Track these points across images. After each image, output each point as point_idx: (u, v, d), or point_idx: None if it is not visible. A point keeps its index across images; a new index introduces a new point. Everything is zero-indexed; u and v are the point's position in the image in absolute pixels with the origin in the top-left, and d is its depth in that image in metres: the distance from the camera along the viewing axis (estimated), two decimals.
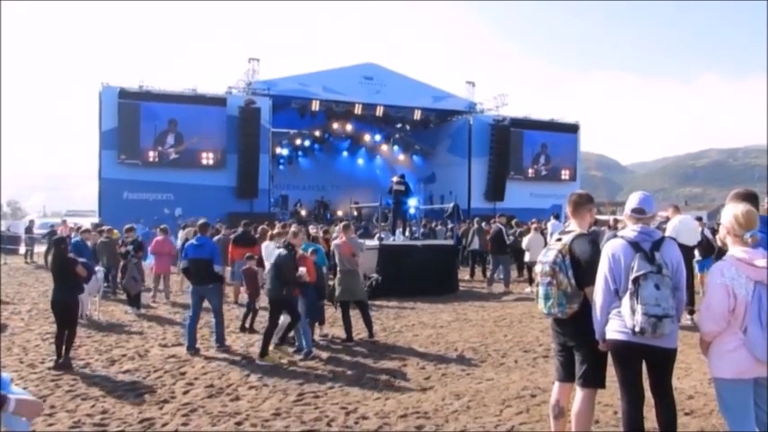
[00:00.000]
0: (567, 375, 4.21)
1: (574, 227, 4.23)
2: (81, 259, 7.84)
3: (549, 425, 4.39)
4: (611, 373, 4.01)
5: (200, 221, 9.37)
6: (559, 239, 4.17)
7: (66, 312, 7.33)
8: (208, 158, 26.61)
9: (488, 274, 15.60)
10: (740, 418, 3.37)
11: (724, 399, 3.44)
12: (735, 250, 3.40)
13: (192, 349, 8.06)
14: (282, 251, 7.82)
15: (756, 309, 3.24)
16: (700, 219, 12.93)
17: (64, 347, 7.24)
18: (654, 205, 4.02)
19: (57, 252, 7.60)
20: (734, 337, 3.31)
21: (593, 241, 4.10)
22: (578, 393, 4.08)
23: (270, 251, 9.18)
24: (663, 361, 3.81)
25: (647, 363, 3.83)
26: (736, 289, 3.28)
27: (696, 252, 11.68)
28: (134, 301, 11.36)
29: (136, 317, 10.86)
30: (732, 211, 3.48)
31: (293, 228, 8.67)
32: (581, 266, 3.97)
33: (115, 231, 14.87)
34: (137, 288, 11.46)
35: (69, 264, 7.47)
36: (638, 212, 3.91)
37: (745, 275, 3.28)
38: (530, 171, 32.88)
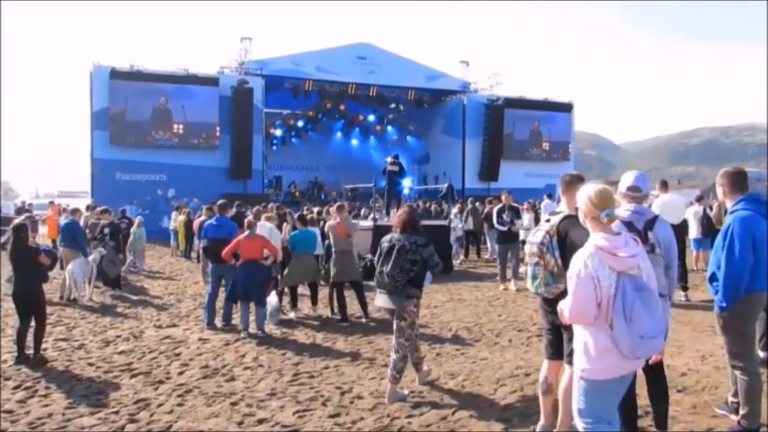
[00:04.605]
0: (555, 353, 4.24)
1: (563, 207, 4.24)
2: (43, 246, 7.42)
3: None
4: None
5: (220, 202, 9.52)
6: (548, 220, 4.19)
7: (31, 304, 6.73)
8: (200, 139, 26.45)
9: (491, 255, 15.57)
10: (602, 417, 3.13)
11: (587, 401, 3.11)
12: (596, 237, 3.08)
13: (211, 325, 8.34)
14: None
15: (621, 302, 2.93)
16: (701, 198, 12.94)
17: (33, 343, 6.65)
18: (648, 184, 4.03)
19: (16, 240, 6.88)
20: (604, 335, 3.00)
21: (582, 225, 4.08)
22: (566, 371, 4.11)
23: (265, 230, 9.19)
24: None
25: None
26: (601, 281, 2.96)
27: (696, 231, 11.75)
28: (115, 282, 11.34)
29: (131, 299, 10.85)
30: (585, 192, 3.20)
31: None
32: (571, 248, 3.97)
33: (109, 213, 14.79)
34: (115, 271, 11.41)
35: (31, 253, 6.82)
36: (635, 191, 3.91)
37: (607, 266, 2.98)
38: (524, 151, 32.84)
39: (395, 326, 5.45)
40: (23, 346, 6.69)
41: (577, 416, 3.19)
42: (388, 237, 5.58)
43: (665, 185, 9.88)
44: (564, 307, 3.17)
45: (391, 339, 7.50)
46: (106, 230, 11.73)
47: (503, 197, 12.41)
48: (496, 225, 12.03)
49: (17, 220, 7.32)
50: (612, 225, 3.11)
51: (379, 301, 5.51)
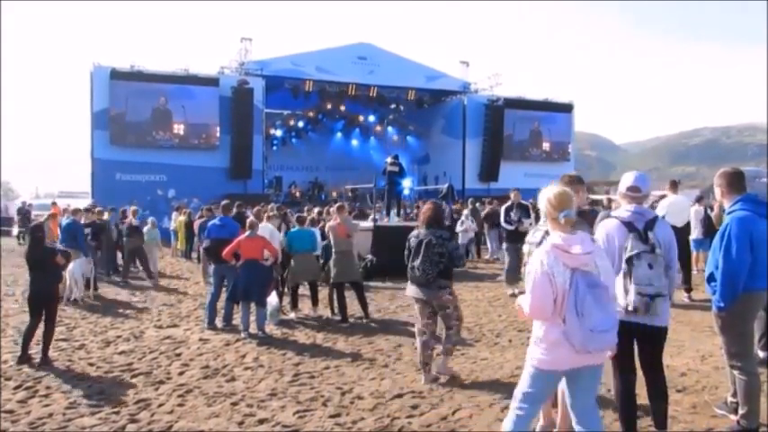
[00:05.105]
0: None
1: None
2: (59, 247, 7.48)
3: None
4: None
5: (224, 202, 9.54)
6: None
7: (47, 305, 6.72)
8: (201, 139, 26.45)
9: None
10: (535, 404, 3.37)
11: (531, 386, 3.31)
12: (553, 236, 3.26)
13: (212, 325, 8.36)
14: None
15: (573, 297, 3.09)
16: (701, 198, 12.90)
17: (42, 345, 6.63)
18: (648, 184, 4.04)
19: (33, 241, 6.93)
20: (556, 329, 3.16)
21: (584, 223, 4.11)
22: None
23: (266, 231, 9.18)
24: (654, 339, 3.85)
25: (639, 341, 3.87)
26: (555, 277, 3.13)
27: (696, 231, 11.72)
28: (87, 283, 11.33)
29: (130, 298, 10.86)
30: (545, 195, 3.36)
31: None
32: None
33: (105, 214, 14.76)
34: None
35: (48, 253, 6.87)
36: (634, 191, 3.92)
37: (562, 263, 3.14)
38: (524, 151, 32.83)
39: (417, 312, 5.99)
40: (28, 345, 6.68)
41: (514, 397, 3.42)
42: (414, 233, 5.97)
43: (674, 186, 9.88)
44: (522, 303, 3.30)
45: (391, 339, 7.56)
46: (87, 231, 11.68)
47: (511, 195, 11.62)
48: (503, 224, 11.37)
49: (35, 222, 7.36)
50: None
51: (410, 291, 5.94)
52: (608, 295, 3.20)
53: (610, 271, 3.30)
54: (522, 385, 3.37)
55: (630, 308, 3.62)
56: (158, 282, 12.85)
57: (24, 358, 6.59)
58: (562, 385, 4.11)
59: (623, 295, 3.65)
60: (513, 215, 11.14)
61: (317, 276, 9.40)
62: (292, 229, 9.62)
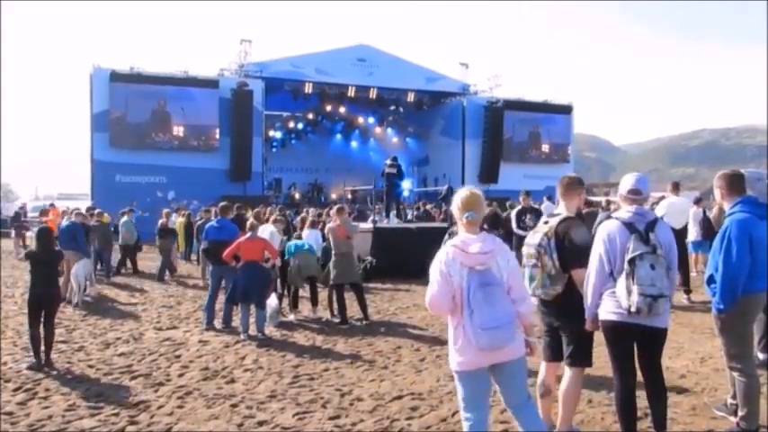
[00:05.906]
0: (554, 355, 4.26)
1: (561, 209, 4.28)
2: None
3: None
4: (605, 352, 4.05)
5: (222, 204, 9.54)
6: (546, 222, 4.21)
7: (48, 306, 6.66)
8: (200, 141, 26.48)
9: None
10: (477, 410, 3.37)
11: (463, 392, 3.38)
12: (458, 236, 3.40)
13: (210, 326, 8.39)
14: None
15: (466, 295, 3.20)
16: (699, 200, 12.89)
17: (43, 346, 6.56)
18: (648, 186, 4.04)
19: (44, 243, 6.88)
20: (461, 329, 3.27)
21: (582, 225, 4.13)
22: (566, 373, 4.14)
23: (266, 234, 9.17)
24: (654, 340, 3.86)
25: (639, 342, 3.87)
26: (452, 276, 3.25)
27: (695, 233, 11.70)
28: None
29: (130, 300, 10.85)
30: (456, 197, 3.50)
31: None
32: (568, 249, 3.99)
33: (105, 216, 14.75)
34: None
35: (55, 256, 6.91)
36: (635, 194, 3.91)
37: (459, 261, 3.26)
38: (523, 153, 32.88)
39: None
40: (39, 350, 6.55)
41: (459, 407, 3.46)
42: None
43: (676, 187, 9.91)
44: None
45: (391, 341, 7.56)
46: None
47: (521, 198, 11.25)
48: (516, 230, 10.75)
49: (41, 225, 7.38)
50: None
51: None
52: (501, 294, 3.27)
53: (515, 271, 3.41)
54: (458, 394, 3.42)
55: (633, 309, 3.61)
56: (169, 282, 12.93)
57: (36, 364, 6.44)
58: (563, 386, 4.13)
59: (626, 296, 3.65)
60: (527, 220, 10.63)
61: (318, 273, 9.37)
62: (291, 242, 9.57)
